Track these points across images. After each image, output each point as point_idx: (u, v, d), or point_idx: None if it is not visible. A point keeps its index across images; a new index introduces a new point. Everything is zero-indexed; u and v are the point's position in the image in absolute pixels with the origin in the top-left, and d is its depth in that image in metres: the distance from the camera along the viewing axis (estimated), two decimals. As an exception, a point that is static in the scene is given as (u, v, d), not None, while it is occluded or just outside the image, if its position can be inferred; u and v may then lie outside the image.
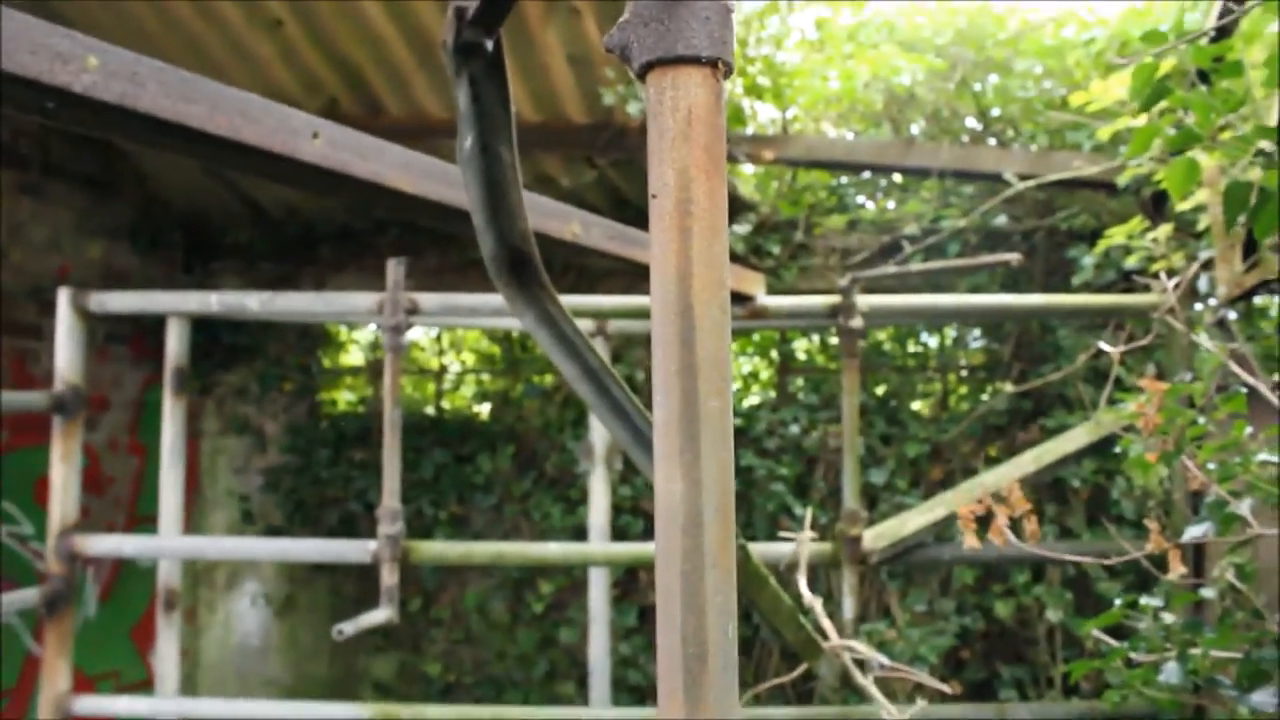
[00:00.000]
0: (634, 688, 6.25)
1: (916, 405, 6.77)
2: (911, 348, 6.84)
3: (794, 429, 6.41)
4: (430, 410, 7.33)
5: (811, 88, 5.74)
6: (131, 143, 1.72)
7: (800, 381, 6.81)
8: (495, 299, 4.04)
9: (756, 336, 6.79)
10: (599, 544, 4.20)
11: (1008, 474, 4.00)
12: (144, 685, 6.64)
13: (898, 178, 6.17)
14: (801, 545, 3.43)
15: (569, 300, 3.87)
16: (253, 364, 7.33)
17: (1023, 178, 4.71)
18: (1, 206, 6.08)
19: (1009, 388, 6.34)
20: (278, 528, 7.19)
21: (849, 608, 3.93)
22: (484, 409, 7.39)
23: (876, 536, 3.88)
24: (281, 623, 7.24)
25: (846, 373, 3.91)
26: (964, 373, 6.77)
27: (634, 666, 6.29)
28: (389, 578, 3.82)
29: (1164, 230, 3.66)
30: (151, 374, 7.02)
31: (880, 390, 6.65)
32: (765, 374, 7.16)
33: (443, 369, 7.51)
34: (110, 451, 6.92)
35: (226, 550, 4.20)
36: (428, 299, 3.79)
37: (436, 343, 7.49)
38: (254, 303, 3.80)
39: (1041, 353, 6.14)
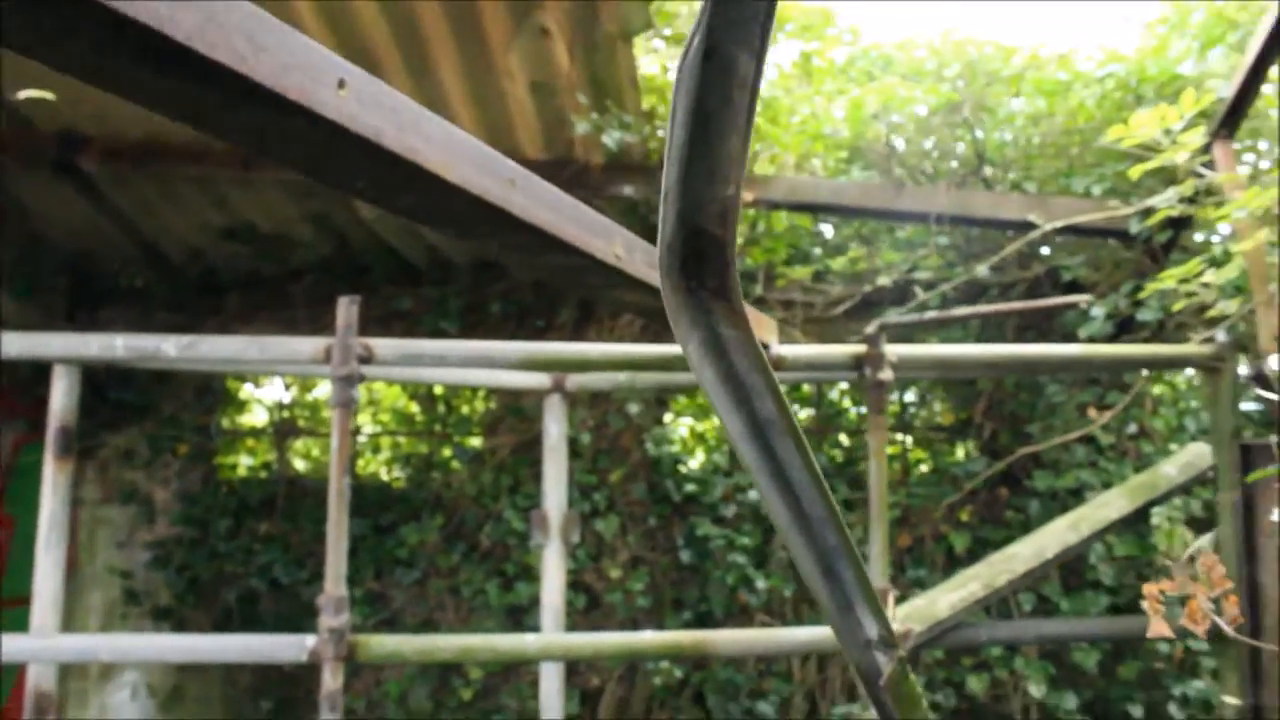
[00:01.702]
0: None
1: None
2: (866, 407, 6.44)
3: (752, 494, 5.90)
4: (344, 475, 6.60)
5: (798, 122, 5.23)
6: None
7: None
8: (463, 345, 3.44)
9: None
10: (577, 635, 3.59)
11: (1045, 544, 3.55)
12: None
13: (857, 225, 5.77)
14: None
15: (599, 349, 3.30)
16: (143, 424, 6.51)
17: (1027, 225, 4.31)
18: None
19: (971, 448, 5.99)
20: (166, 608, 6.37)
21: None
22: (403, 475, 6.70)
23: (906, 618, 3.37)
24: (167, 718, 6.38)
25: (873, 431, 3.40)
26: (926, 432, 6.38)
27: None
28: (331, 681, 3.15)
29: (1225, 273, 3.27)
30: (24, 435, 6.17)
31: (836, 453, 6.20)
32: (711, 435, 6.64)
33: (357, 429, 6.80)
34: (-29, 524, 6.05)
35: (124, 651, 3.43)
36: (384, 344, 3.17)
37: (351, 401, 6.79)
38: (171, 347, 3.12)
39: (1014, 412, 5.79)
